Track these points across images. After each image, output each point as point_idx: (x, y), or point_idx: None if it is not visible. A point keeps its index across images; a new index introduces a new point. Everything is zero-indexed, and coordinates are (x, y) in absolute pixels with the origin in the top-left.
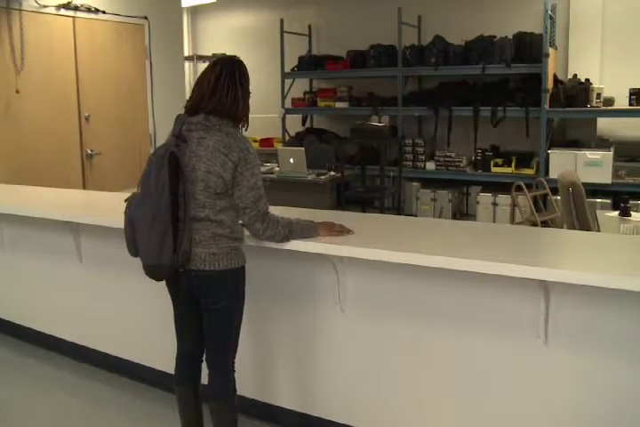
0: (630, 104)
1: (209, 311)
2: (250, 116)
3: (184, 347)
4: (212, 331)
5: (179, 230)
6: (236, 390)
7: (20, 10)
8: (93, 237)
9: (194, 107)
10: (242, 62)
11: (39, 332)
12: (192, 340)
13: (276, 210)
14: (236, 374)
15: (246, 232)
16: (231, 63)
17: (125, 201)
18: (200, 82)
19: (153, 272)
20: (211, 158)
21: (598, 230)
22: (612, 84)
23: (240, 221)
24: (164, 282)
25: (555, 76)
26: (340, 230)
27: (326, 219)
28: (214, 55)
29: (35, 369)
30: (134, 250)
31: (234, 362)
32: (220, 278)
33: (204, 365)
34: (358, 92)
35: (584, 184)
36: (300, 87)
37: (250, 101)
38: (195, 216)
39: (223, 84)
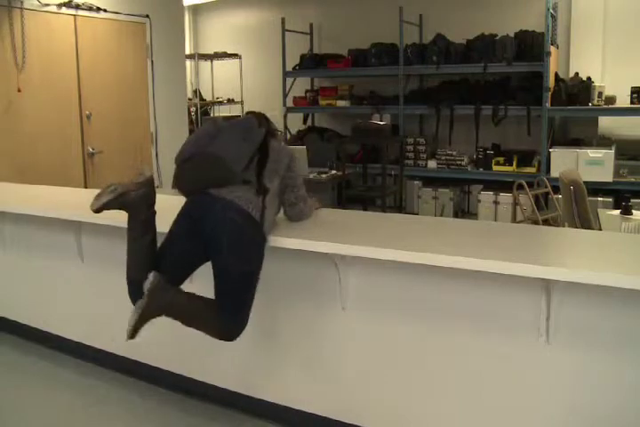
0: (632, 102)
1: (230, 249)
2: None
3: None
4: (229, 288)
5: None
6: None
7: (22, 8)
8: (95, 235)
9: None
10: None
11: (41, 330)
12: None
13: None
14: (239, 373)
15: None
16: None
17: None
18: None
19: (213, 169)
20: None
21: (600, 229)
22: (613, 82)
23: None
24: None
25: (556, 75)
26: (318, 207)
27: (327, 217)
28: (216, 53)
29: (37, 368)
30: (208, 140)
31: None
32: (251, 228)
33: None
34: (360, 91)
35: (585, 183)
36: (301, 86)
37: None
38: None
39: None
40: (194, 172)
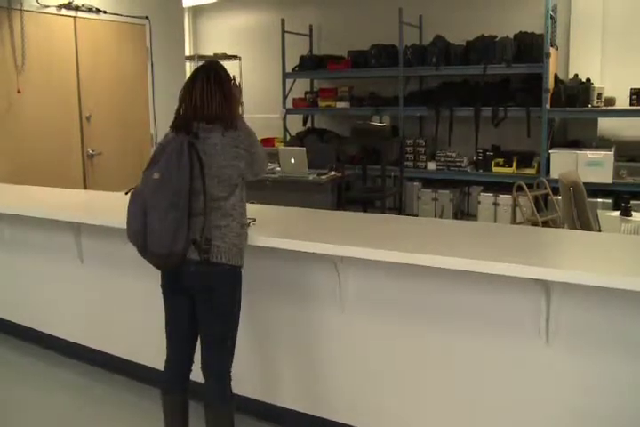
0: (631, 104)
1: (209, 312)
2: (251, 115)
3: (176, 352)
4: (212, 334)
5: (194, 221)
6: (233, 397)
7: (22, 10)
8: (94, 237)
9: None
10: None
11: (40, 331)
12: (185, 345)
13: (276, 210)
14: (239, 375)
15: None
16: (205, 69)
17: (126, 193)
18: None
19: (162, 261)
20: (222, 154)
21: (599, 230)
22: (612, 83)
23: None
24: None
25: (556, 76)
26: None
27: (327, 219)
28: (215, 55)
29: (35, 368)
30: (142, 239)
31: (231, 368)
32: (220, 273)
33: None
34: (359, 92)
35: (585, 184)
36: (301, 87)
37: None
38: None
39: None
40: (153, 264)
